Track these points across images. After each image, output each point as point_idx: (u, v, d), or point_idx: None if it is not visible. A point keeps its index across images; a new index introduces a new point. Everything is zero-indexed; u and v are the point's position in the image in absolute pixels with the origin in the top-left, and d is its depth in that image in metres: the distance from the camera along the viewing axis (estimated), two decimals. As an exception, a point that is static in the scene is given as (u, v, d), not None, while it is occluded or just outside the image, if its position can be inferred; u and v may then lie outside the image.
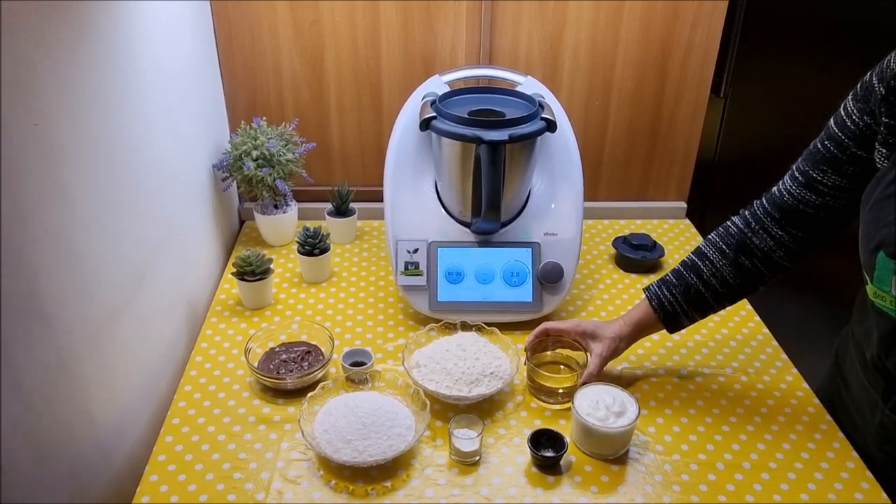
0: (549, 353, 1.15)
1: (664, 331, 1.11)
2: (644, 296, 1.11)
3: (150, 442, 1.03)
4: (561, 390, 1.09)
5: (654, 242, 1.48)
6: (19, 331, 0.75)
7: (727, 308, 1.10)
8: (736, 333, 1.27)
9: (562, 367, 1.14)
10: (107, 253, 0.94)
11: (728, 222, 1.07)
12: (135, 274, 1.03)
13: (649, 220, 1.67)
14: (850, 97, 0.92)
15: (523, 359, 1.12)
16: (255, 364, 1.13)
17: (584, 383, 1.06)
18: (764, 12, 1.60)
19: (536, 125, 1.18)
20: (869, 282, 0.89)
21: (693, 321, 1.09)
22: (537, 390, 1.11)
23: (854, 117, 0.90)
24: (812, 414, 1.09)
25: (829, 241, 1.01)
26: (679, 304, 1.07)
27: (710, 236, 1.08)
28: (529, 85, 1.33)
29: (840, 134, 0.92)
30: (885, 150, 0.88)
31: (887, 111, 0.86)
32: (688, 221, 1.68)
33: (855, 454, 1.01)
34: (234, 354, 1.19)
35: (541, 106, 1.23)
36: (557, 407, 1.09)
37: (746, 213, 1.06)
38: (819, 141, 0.96)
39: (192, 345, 1.23)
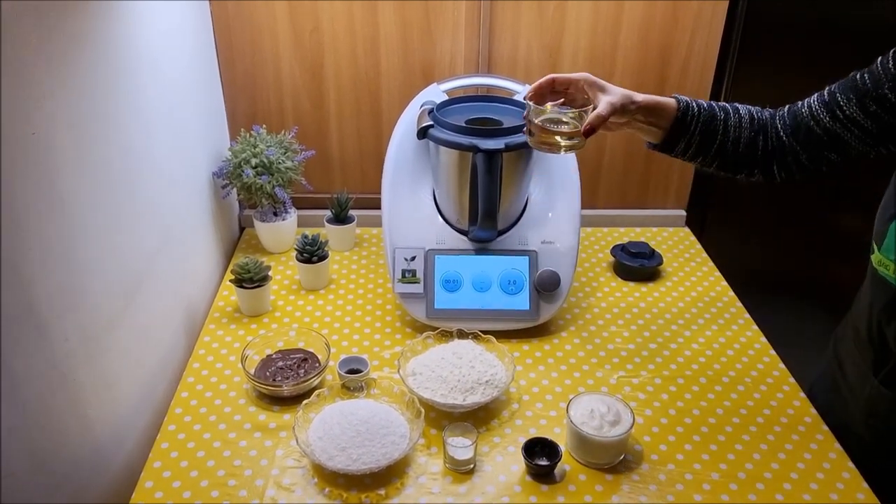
0: (549, 105, 1.03)
1: (656, 149, 1.06)
2: (673, 96, 1.03)
3: (146, 448, 1.04)
4: (564, 142, 1.01)
5: (653, 251, 1.48)
6: (16, 338, 0.76)
7: (710, 170, 1.07)
8: (733, 342, 1.27)
9: (563, 121, 1.02)
10: (105, 260, 0.95)
11: (764, 107, 1.06)
12: (133, 281, 1.04)
13: (648, 228, 1.67)
14: None
15: (524, 111, 1.03)
16: (252, 371, 1.13)
17: (591, 127, 0.97)
18: (763, 19, 1.60)
19: (533, 134, 1.19)
20: (876, 250, 0.91)
21: (686, 151, 1.04)
22: (539, 141, 1.02)
23: None
24: (809, 424, 1.08)
25: (819, 176, 1.01)
26: (697, 120, 1.02)
27: (748, 105, 1.05)
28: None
29: (880, 69, 0.92)
30: None
31: None
32: (687, 230, 1.68)
33: (851, 465, 1.01)
34: (232, 361, 1.20)
35: (538, 114, 1.23)
36: (561, 153, 1.03)
37: (774, 110, 1.05)
38: (860, 72, 0.96)
39: (189, 351, 1.23)
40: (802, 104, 1.01)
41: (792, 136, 1.01)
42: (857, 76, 0.95)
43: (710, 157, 1.04)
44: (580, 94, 1.03)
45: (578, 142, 1.01)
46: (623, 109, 1.00)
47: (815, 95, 1.00)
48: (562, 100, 1.04)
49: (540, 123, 1.02)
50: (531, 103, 1.02)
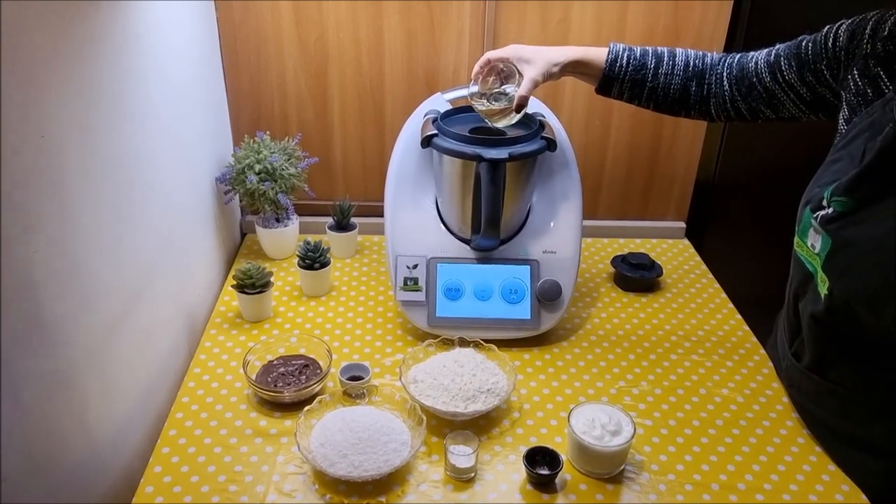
0: (479, 86, 1.18)
1: (595, 91, 1.17)
2: (608, 46, 1.14)
3: (146, 453, 1.04)
4: (500, 118, 1.17)
5: (653, 262, 1.49)
6: (19, 341, 0.76)
7: (651, 111, 1.18)
8: (732, 354, 1.28)
9: (504, 92, 1.17)
10: (108, 265, 0.95)
11: (710, 53, 1.14)
12: (135, 286, 1.04)
13: (648, 240, 1.68)
14: (848, 21, 0.95)
15: (468, 91, 1.18)
16: (254, 377, 1.13)
17: (519, 105, 1.12)
18: (764, 34, 1.61)
19: (536, 144, 1.20)
20: (796, 233, 0.98)
21: (621, 96, 1.16)
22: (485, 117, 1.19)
23: (838, 44, 0.95)
24: (808, 437, 1.09)
25: (756, 123, 1.11)
26: (626, 73, 1.13)
27: (691, 50, 1.15)
28: (530, 104, 1.33)
29: (821, 45, 0.98)
30: (847, 113, 0.94)
31: (861, 71, 0.91)
32: (686, 241, 1.68)
33: (847, 477, 1.01)
34: (233, 367, 1.20)
35: (541, 125, 1.24)
36: (504, 125, 1.19)
37: (724, 55, 1.13)
38: (807, 38, 1.02)
39: (190, 357, 1.23)
40: (752, 58, 1.08)
41: (735, 85, 1.09)
42: (803, 44, 1.01)
43: (643, 100, 1.16)
44: (511, 63, 1.15)
45: (513, 116, 1.16)
46: (547, 76, 1.12)
47: (764, 52, 1.07)
48: (503, 77, 1.17)
49: (477, 104, 1.17)
50: (471, 86, 1.18)
